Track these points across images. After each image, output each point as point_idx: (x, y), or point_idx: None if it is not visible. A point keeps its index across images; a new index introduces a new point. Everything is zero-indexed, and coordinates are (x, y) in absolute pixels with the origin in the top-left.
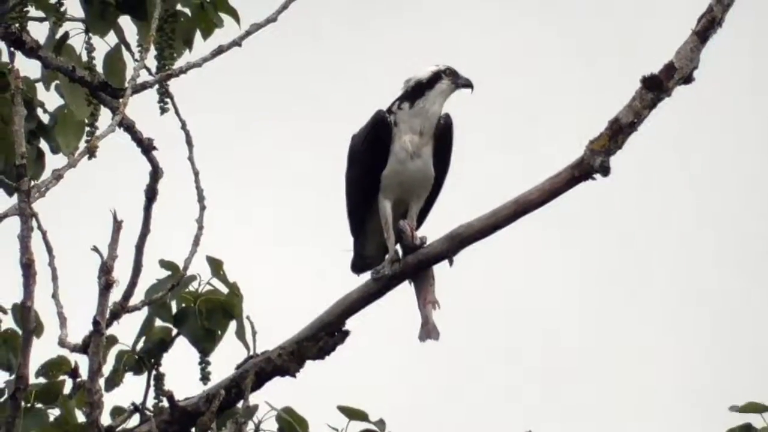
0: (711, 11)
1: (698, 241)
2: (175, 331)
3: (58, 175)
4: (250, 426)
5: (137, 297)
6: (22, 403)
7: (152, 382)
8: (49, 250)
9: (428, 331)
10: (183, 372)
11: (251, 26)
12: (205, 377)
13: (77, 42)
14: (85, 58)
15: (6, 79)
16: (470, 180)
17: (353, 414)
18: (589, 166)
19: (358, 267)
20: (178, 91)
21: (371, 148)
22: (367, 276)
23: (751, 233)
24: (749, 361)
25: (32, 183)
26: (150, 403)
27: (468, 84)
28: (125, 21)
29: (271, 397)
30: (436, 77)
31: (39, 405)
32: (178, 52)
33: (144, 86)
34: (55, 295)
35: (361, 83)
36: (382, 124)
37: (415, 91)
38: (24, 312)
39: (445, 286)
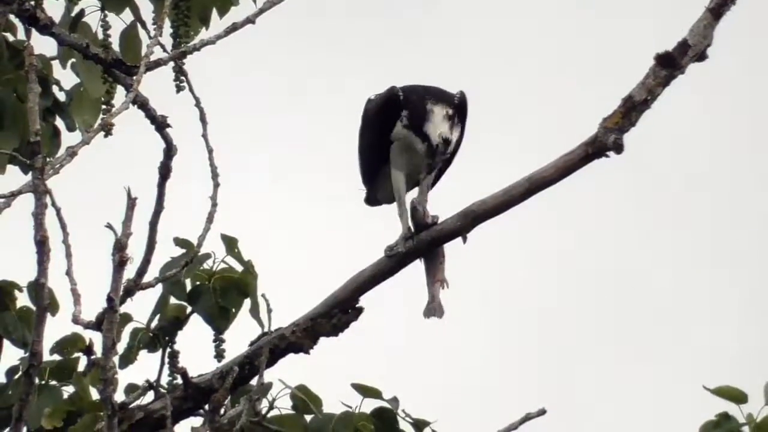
0: None
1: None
2: (189, 309)
3: (72, 152)
4: (264, 403)
5: (151, 274)
6: (36, 380)
7: (166, 360)
8: (63, 227)
9: (433, 309)
10: (197, 349)
11: (265, 3)
12: (219, 355)
13: (93, 20)
14: (100, 36)
15: (22, 57)
16: (484, 157)
17: (367, 391)
18: (603, 144)
19: (371, 201)
20: (192, 68)
21: (382, 122)
22: (380, 250)
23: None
24: None
25: (47, 160)
26: (164, 380)
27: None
28: None
29: (284, 374)
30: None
31: (53, 382)
32: (193, 30)
33: (158, 63)
34: (69, 272)
35: (381, 58)
36: (392, 103)
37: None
38: (38, 289)
39: (459, 263)
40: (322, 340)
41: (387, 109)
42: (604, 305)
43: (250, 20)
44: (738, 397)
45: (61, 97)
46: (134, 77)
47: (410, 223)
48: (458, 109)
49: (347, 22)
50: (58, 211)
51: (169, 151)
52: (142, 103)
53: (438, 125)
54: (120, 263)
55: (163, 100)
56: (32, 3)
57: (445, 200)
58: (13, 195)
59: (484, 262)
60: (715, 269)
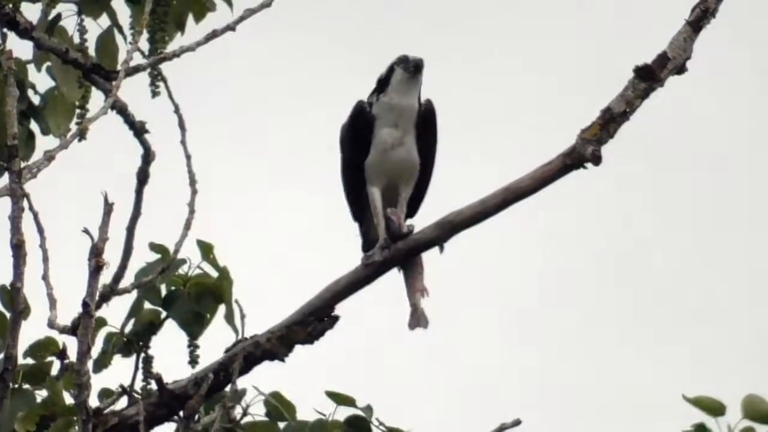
0: (705, 1)
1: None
2: (164, 314)
3: (50, 157)
4: (238, 410)
5: (127, 279)
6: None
7: (141, 365)
8: (41, 231)
9: (417, 319)
10: (172, 355)
11: (245, 11)
12: (193, 360)
13: (69, 24)
14: (77, 40)
15: None
16: (461, 166)
17: (341, 399)
18: (581, 155)
19: (367, 250)
20: (172, 75)
21: (354, 138)
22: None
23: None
24: None
25: (24, 164)
26: (138, 385)
27: (416, 66)
28: (118, 3)
29: (259, 381)
30: (390, 70)
31: (26, 386)
32: (170, 36)
33: (137, 69)
34: (45, 277)
35: (361, 68)
36: (361, 115)
37: (380, 87)
38: (14, 293)
39: (437, 272)
40: (297, 347)
41: (359, 123)
42: (586, 309)
43: (231, 27)
44: (716, 408)
45: (36, 100)
46: (113, 82)
47: (386, 233)
48: (424, 117)
49: (326, 23)
50: (35, 215)
51: (147, 156)
52: (120, 109)
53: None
54: (96, 268)
55: (141, 104)
56: (11, 7)
57: (422, 209)
58: None
59: (463, 269)
60: (704, 269)
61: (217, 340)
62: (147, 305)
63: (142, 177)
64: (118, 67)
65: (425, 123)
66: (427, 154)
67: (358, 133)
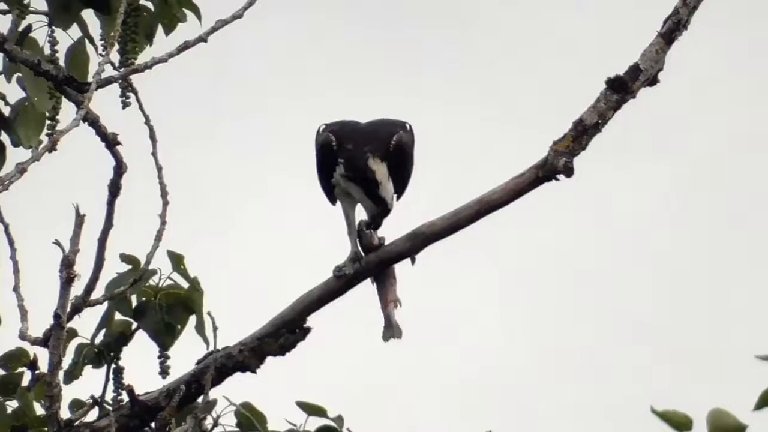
0: (677, 13)
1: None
2: (135, 325)
3: (21, 169)
4: (209, 420)
5: (99, 291)
6: None
7: (112, 376)
8: (11, 243)
9: (391, 331)
10: (143, 366)
11: (217, 22)
12: (164, 371)
13: (40, 35)
14: (47, 51)
15: None
16: (433, 178)
17: (312, 410)
18: (553, 167)
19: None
20: (142, 86)
21: (322, 162)
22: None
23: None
24: None
25: None
26: (109, 396)
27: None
28: (88, 14)
29: (230, 392)
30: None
31: None
32: (140, 47)
33: (109, 81)
34: (16, 288)
35: (336, 75)
36: (328, 149)
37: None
38: None
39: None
40: (269, 359)
41: (325, 153)
42: (560, 327)
43: (202, 39)
44: (682, 422)
45: (6, 111)
46: (85, 94)
47: (358, 245)
48: (394, 154)
49: (300, 25)
50: (6, 226)
51: (119, 168)
52: (92, 121)
53: (385, 186)
54: (67, 280)
55: (112, 116)
56: None
57: (394, 221)
58: None
59: (435, 280)
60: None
61: (188, 351)
62: (118, 316)
63: (114, 189)
64: (89, 79)
65: (395, 157)
66: (399, 180)
67: (325, 161)
